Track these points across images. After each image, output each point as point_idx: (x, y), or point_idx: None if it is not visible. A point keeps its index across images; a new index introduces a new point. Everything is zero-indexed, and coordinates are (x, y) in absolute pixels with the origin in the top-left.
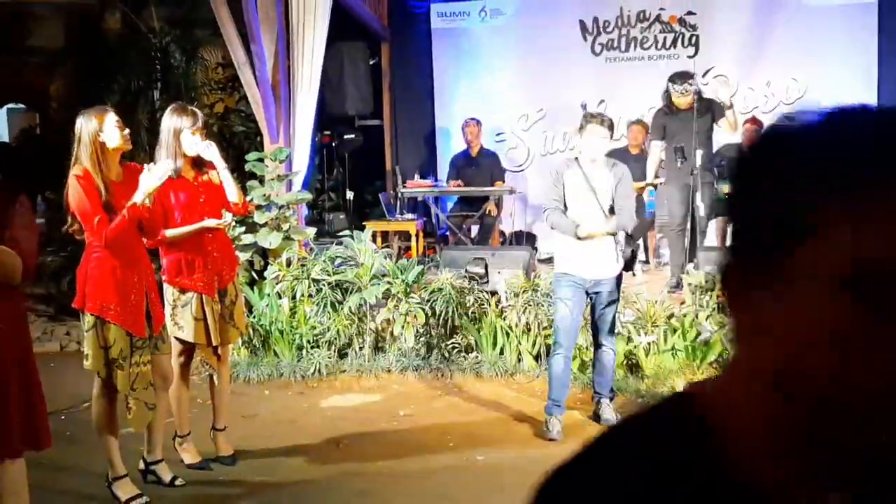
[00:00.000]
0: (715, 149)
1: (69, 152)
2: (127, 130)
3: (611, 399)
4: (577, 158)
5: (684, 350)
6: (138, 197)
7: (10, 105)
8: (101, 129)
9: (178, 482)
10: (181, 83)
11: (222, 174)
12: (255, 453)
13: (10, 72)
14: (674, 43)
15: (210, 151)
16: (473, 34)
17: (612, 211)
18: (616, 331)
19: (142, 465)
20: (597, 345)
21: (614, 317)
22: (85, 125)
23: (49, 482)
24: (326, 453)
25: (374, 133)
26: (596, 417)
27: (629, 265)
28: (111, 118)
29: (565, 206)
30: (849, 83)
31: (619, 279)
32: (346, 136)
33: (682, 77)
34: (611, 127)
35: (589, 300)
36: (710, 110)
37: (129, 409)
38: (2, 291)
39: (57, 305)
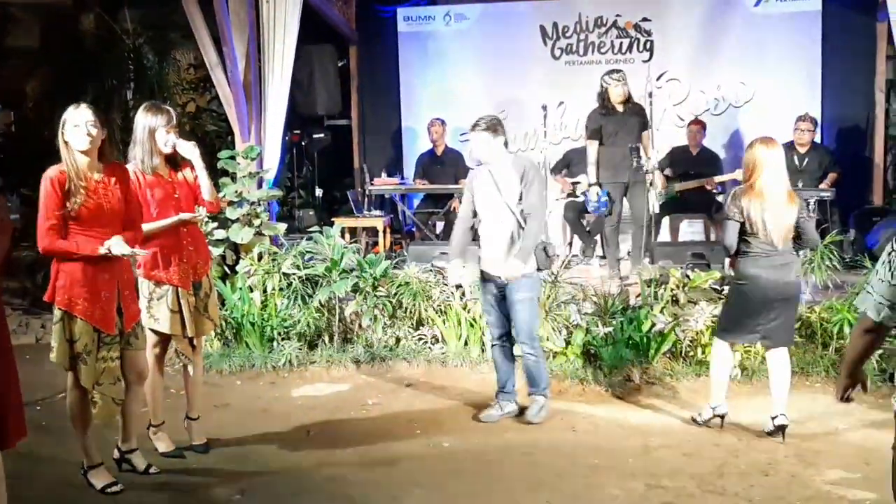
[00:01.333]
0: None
1: (44, 150)
2: (90, 131)
3: (544, 397)
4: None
5: (640, 340)
6: (103, 250)
7: None
8: (63, 128)
9: (152, 470)
10: (154, 83)
11: (199, 172)
12: (228, 442)
13: None
14: (630, 48)
15: (191, 151)
16: (438, 38)
17: (516, 204)
18: (534, 332)
19: (116, 455)
20: (519, 345)
21: (528, 317)
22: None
23: (25, 471)
24: (297, 441)
25: (342, 132)
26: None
27: (544, 264)
28: (71, 117)
29: (475, 213)
30: (794, 87)
31: (532, 278)
32: (315, 136)
33: (615, 71)
34: (488, 128)
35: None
36: (639, 115)
37: (95, 403)
38: None
39: (32, 299)
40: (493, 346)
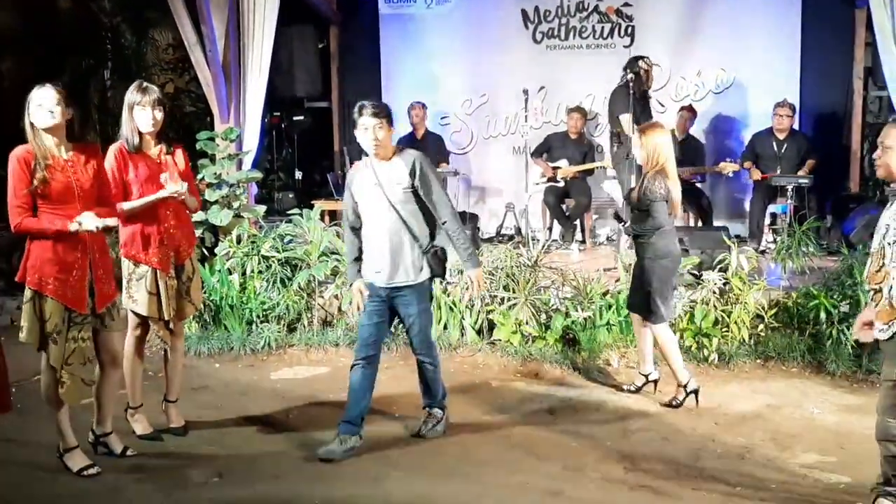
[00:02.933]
0: None
1: (21, 131)
2: (52, 109)
3: (442, 410)
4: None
5: (618, 325)
6: (73, 226)
7: None
8: (28, 108)
9: (129, 452)
10: (132, 63)
11: (186, 198)
12: (206, 424)
13: None
14: (611, 33)
15: (172, 187)
16: (420, 20)
17: (402, 203)
18: (432, 341)
19: (91, 438)
20: (415, 356)
21: (425, 327)
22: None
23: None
24: (276, 424)
25: (322, 115)
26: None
27: (440, 271)
28: (35, 97)
29: (356, 215)
30: (774, 73)
31: (425, 287)
32: (295, 118)
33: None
34: (386, 115)
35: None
36: (648, 105)
37: (63, 383)
38: None
39: (7, 280)
40: (354, 366)
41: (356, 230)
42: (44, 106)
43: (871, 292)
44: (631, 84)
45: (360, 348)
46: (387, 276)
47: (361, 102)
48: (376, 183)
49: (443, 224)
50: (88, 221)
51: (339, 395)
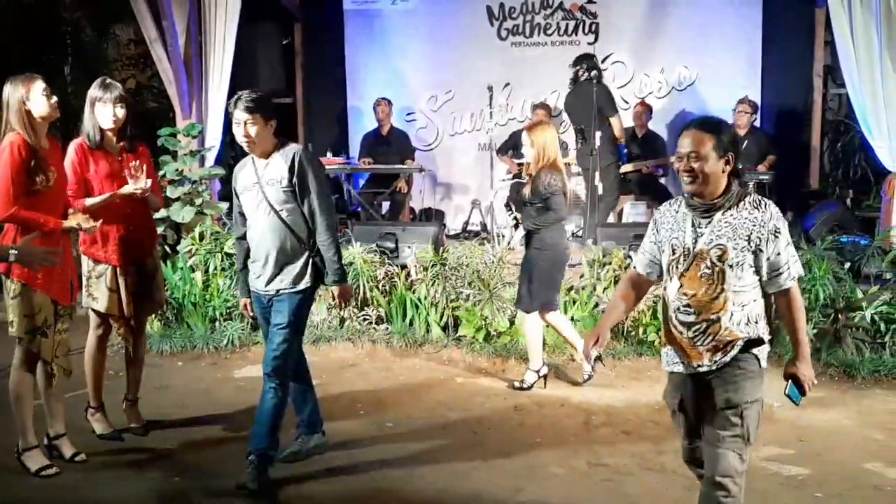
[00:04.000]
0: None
1: None
2: (54, 99)
3: (261, 465)
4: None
5: (582, 320)
6: (70, 223)
7: None
8: (27, 96)
9: (78, 458)
10: (93, 59)
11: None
12: (168, 423)
13: None
14: (575, 30)
15: (131, 189)
16: (385, 17)
17: (282, 204)
18: (288, 365)
19: (45, 441)
20: (264, 377)
21: (287, 345)
22: (12, 92)
23: None
24: (239, 422)
25: (286, 111)
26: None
27: (321, 277)
28: (38, 86)
29: (243, 217)
30: (735, 71)
31: (304, 298)
32: None
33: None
34: (260, 107)
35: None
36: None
37: (54, 375)
38: None
39: None
40: None
41: (243, 237)
42: (45, 96)
43: (700, 324)
44: (594, 81)
45: None
46: (265, 281)
47: (238, 93)
48: (256, 182)
49: (315, 232)
50: (83, 221)
51: None
